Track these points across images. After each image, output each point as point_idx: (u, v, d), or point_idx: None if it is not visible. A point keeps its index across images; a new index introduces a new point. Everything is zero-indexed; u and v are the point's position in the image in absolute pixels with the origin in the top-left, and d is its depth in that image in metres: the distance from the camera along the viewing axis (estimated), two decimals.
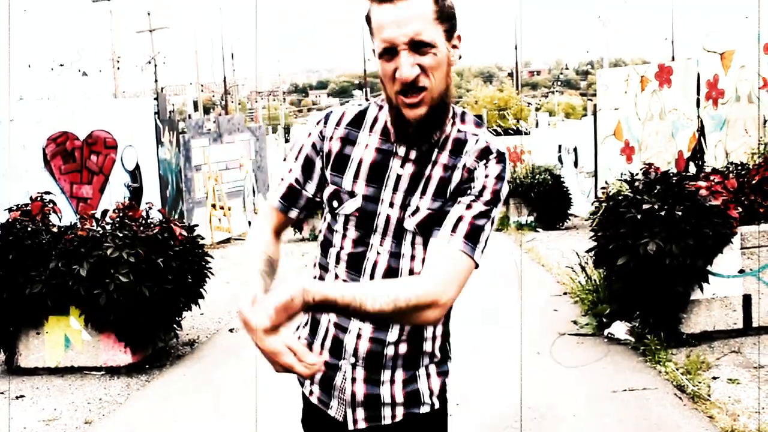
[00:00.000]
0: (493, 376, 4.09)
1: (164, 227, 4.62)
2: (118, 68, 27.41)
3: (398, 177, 1.29)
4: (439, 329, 1.37)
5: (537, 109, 37.01)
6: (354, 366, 1.33)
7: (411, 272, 1.30)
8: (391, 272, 1.30)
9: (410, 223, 1.28)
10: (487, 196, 1.26)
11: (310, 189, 1.38)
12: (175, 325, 4.81)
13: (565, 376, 4.02)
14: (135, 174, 8.71)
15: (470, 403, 3.63)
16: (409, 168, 1.29)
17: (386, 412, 1.35)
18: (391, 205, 1.29)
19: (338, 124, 1.36)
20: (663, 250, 4.07)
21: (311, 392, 1.40)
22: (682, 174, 4.62)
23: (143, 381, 4.37)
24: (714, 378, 3.76)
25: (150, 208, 4.85)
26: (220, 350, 5.03)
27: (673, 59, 20.33)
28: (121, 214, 4.62)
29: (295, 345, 1.09)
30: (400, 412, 1.35)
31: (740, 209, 4.37)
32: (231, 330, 5.62)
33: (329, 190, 1.34)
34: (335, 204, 1.33)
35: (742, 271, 4.37)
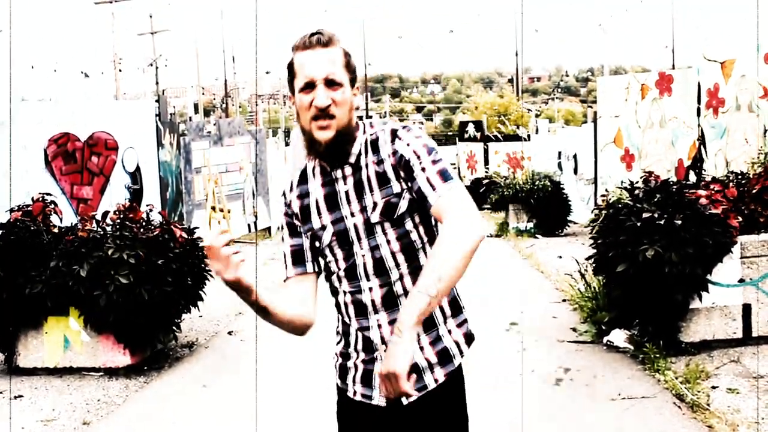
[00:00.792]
0: (491, 382, 4.09)
1: (165, 229, 4.62)
2: (120, 70, 27.45)
3: (346, 193, 1.57)
4: None
5: (537, 116, 37.08)
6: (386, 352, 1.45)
7: (392, 255, 1.55)
8: (378, 263, 1.55)
9: (375, 216, 1.54)
10: (423, 153, 1.52)
11: (306, 244, 1.65)
12: (174, 327, 4.81)
13: (563, 383, 4.02)
14: (135, 176, 8.72)
15: (469, 410, 3.63)
16: (350, 181, 1.57)
17: (428, 377, 1.57)
18: (353, 215, 1.57)
19: (291, 190, 1.69)
20: (662, 259, 4.08)
21: (355, 392, 1.63)
22: (682, 182, 4.63)
23: (142, 382, 4.36)
24: (713, 387, 3.76)
25: (151, 210, 4.86)
26: (218, 353, 5.03)
27: (673, 67, 20.41)
28: (121, 216, 4.63)
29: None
30: (440, 374, 1.58)
31: (740, 218, 4.38)
32: (230, 333, 5.61)
33: (308, 238, 1.63)
34: (317, 244, 1.61)
35: (741, 281, 4.38)
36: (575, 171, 13.26)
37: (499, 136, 19.54)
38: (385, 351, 1.49)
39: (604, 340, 4.77)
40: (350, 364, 1.64)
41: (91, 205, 7.86)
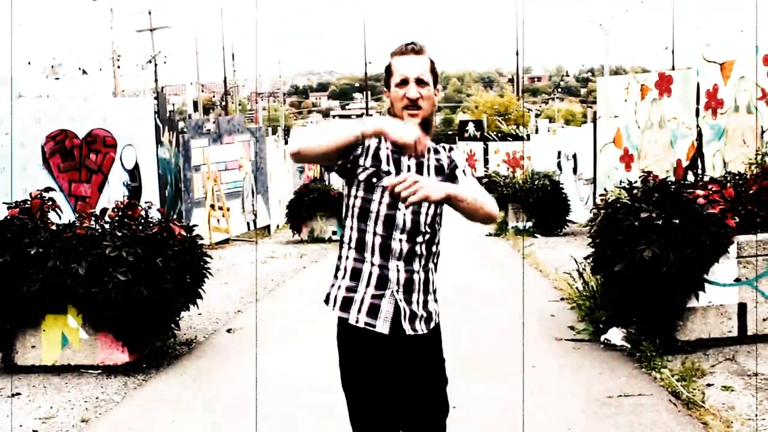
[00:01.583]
0: (491, 380, 4.10)
1: (163, 227, 4.62)
2: (118, 67, 27.42)
3: (408, 167, 2.00)
4: (432, 267, 2.06)
5: (537, 116, 37.08)
6: (398, 292, 1.97)
7: (425, 223, 1.99)
8: (414, 224, 1.97)
9: None
10: (466, 165, 2.10)
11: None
12: (173, 325, 4.82)
13: (561, 381, 4.03)
14: (134, 173, 8.72)
15: (469, 409, 3.64)
16: (413, 161, 2.01)
17: (418, 324, 2.00)
18: None
19: (380, 142, 2.03)
20: (660, 258, 4.09)
21: (357, 320, 1.97)
22: (681, 182, 4.64)
23: (140, 380, 4.37)
24: (708, 385, 3.78)
25: (149, 208, 4.86)
26: (217, 351, 5.04)
27: (673, 68, 20.41)
28: (120, 213, 4.63)
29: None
30: (424, 327, 2.02)
31: (737, 218, 4.40)
32: (229, 330, 5.62)
33: (369, 170, 1.97)
34: (374, 180, 1.96)
35: (738, 280, 4.39)
36: (575, 171, 13.27)
37: (500, 135, 19.55)
38: (397, 291, 1.97)
39: (602, 338, 4.78)
40: (357, 297, 1.98)
41: (90, 202, 7.86)
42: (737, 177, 5.04)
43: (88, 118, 8.08)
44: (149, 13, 31.14)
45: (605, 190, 5.07)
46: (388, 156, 1.99)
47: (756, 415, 3.35)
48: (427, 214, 1.99)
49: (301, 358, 4.73)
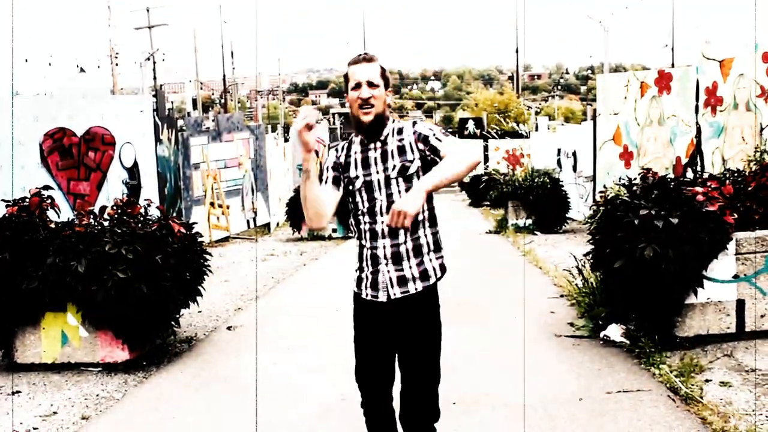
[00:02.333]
0: (491, 377, 4.11)
1: (163, 224, 4.63)
2: (117, 64, 27.37)
3: (375, 158, 2.39)
4: (429, 232, 2.39)
5: (537, 113, 37.07)
6: (386, 264, 2.36)
7: None
8: (390, 206, 2.26)
9: (393, 173, 2.35)
10: (436, 130, 2.39)
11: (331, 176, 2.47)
12: (173, 323, 4.82)
13: (560, 377, 4.04)
14: (133, 171, 8.71)
15: (469, 403, 3.65)
16: (379, 151, 2.39)
17: (410, 285, 2.36)
18: (377, 172, 2.38)
19: (343, 149, 2.48)
20: (659, 255, 4.10)
21: (366, 294, 2.41)
22: (680, 179, 4.65)
23: (140, 378, 4.37)
24: (707, 381, 3.79)
25: (149, 205, 4.86)
26: (217, 348, 5.04)
27: (672, 66, 20.41)
28: (119, 211, 4.63)
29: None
30: (420, 285, 2.37)
31: (736, 215, 4.40)
32: (229, 328, 5.63)
33: (344, 181, 2.42)
34: (351, 187, 2.40)
35: (736, 277, 4.40)
36: (574, 168, 13.28)
37: (499, 132, 19.54)
38: (386, 264, 2.36)
39: (601, 334, 4.79)
40: (363, 275, 2.42)
41: (89, 200, 7.85)
42: (736, 174, 5.04)
43: (87, 116, 8.07)
44: (147, 10, 31.06)
45: (605, 187, 5.07)
46: (356, 160, 2.40)
47: (754, 411, 3.36)
48: (400, 193, 2.33)
49: (301, 355, 4.74)
